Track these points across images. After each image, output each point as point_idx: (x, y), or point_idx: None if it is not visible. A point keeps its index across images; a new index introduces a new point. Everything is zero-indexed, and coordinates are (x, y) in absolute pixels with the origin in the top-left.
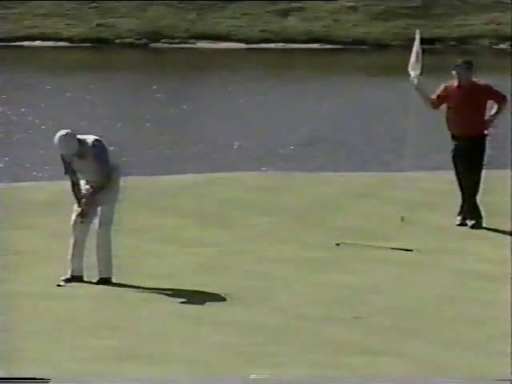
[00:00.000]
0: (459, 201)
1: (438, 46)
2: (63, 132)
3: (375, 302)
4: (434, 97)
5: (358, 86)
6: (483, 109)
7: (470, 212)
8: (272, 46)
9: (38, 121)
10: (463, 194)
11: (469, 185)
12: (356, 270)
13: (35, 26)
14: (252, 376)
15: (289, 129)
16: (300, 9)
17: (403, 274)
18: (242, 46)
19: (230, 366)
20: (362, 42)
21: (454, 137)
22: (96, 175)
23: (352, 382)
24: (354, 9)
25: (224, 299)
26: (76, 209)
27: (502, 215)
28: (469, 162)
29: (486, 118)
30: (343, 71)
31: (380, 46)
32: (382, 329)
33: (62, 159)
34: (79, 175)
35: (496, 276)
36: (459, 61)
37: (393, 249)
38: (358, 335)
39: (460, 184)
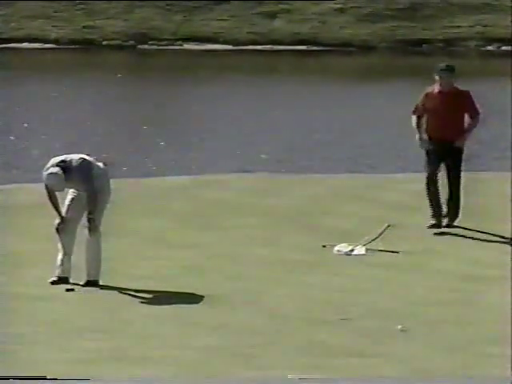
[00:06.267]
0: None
1: (425, 47)
2: (52, 167)
3: (362, 304)
4: (418, 104)
5: (344, 87)
6: (462, 114)
7: (453, 212)
8: (259, 47)
9: (24, 122)
10: (429, 194)
11: (453, 187)
12: (343, 272)
13: (22, 28)
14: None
15: (276, 130)
16: (287, 11)
17: (390, 276)
18: (229, 47)
19: (217, 368)
20: (348, 44)
21: (431, 139)
22: (84, 191)
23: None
24: (341, 11)
25: (211, 301)
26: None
27: (488, 217)
28: (446, 166)
29: (465, 126)
30: (330, 73)
31: (367, 48)
32: (370, 331)
33: (47, 188)
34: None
35: (483, 278)
36: (442, 65)
37: (379, 251)
38: (346, 337)
39: (428, 185)
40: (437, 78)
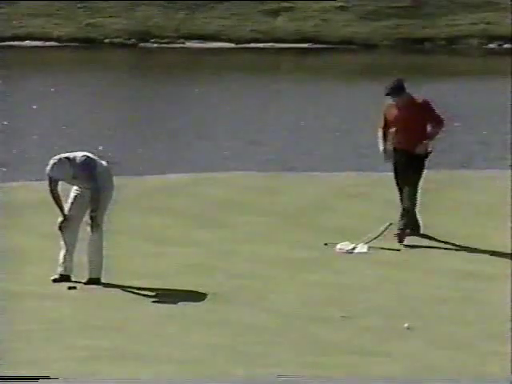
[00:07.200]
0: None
1: (426, 45)
2: (56, 158)
3: (364, 302)
4: (381, 120)
5: (346, 85)
6: (423, 124)
7: (411, 223)
8: (261, 45)
9: (25, 122)
10: (402, 203)
11: (408, 197)
12: (344, 270)
13: (23, 26)
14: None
15: (278, 128)
16: (289, 9)
17: (391, 274)
18: (232, 45)
19: (220, 366)
20: (350, 42)
21: (395, 150)
22: (88, 188)
23: (340, 382)
24: (343, 9)
25: (213, 299)
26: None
27: (488, 215)
28: (408, 176)
29: (427, 135)
30: (332, 71)
31: (369, 45)
32: (371, 328)
33: (50, 180)
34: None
35: (484, 276)
36: (388, 87)
37: (381, 248)
38: (347, 335)
39: (402, 200)
40: (389, 98)
